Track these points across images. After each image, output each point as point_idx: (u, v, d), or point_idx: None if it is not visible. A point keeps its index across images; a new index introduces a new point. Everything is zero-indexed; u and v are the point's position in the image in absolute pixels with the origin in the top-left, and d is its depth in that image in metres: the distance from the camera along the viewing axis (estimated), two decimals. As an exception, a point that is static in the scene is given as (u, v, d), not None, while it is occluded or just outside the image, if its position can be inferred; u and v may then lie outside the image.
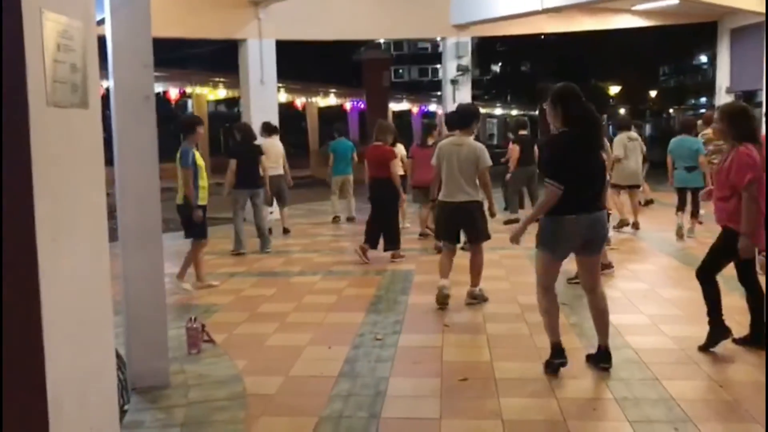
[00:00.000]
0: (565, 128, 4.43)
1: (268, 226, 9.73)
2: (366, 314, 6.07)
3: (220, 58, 23.35)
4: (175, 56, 29.80)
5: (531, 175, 11.04)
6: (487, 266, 6.84)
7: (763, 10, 14.36)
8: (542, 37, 22.19)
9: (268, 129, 10.56)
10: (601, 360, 4.58)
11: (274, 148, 10.28)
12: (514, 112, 38.35)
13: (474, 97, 44.79)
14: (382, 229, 8.43)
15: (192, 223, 7.14)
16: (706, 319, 5.67)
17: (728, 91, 17.16)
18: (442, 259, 6.44)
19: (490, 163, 6.29)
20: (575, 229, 4.38)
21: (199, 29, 12.37)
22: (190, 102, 28.41)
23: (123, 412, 3.92)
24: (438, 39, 16.65)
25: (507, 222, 11.18)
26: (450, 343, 5.28)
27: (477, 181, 6.30)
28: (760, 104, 16.30)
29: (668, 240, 9.42)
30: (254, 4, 12.32)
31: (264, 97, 12.63)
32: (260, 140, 9.82)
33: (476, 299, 6.35)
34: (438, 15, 14.98)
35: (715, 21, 17.23)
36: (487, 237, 6.43)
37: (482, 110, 40.80)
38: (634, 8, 15.48)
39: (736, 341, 4.97)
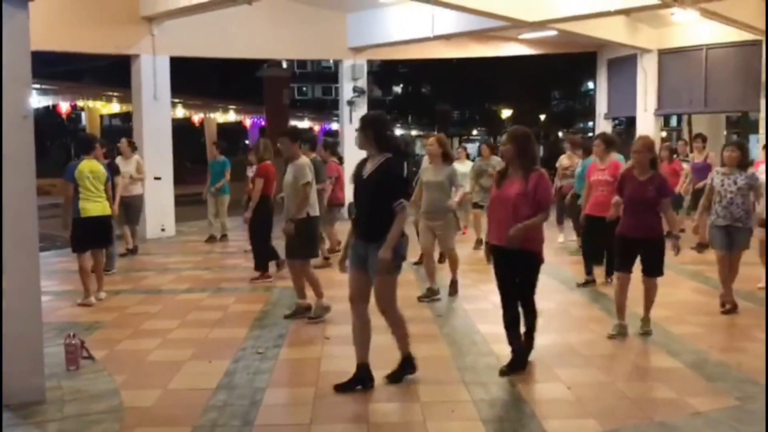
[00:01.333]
0: (386, 153, 4.63)
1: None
2: (250, 329, 6.24)
3: (116, 71, 22.81)
4: (69, 69, 28.76)
5: None
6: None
7: (633, 44, 15.62)
8: (438, 61, 23.06)
9: (134, 146, 10.52)
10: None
11: (142, 166, 10.32)
12: (414, 133, 39.29)
13: (376, 117, 45.09)
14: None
15: (110, 234, 7.91)
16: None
17: (606, 117, 18.41)
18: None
19: None
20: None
21: (89, 44, 12.15)
22: (83, 116, 27.54)
23: (-6, 429, 3.94)
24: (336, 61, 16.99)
25: None
26: (328, 354, 5.54)
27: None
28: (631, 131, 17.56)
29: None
30: (148, 20, 12.25)
31: (157, 112, 12.55)
32: (119, 158, 9.84)
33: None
34: (335, 37, 15.35)
35: (595, 51, 18.48)
36: None
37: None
38: (520, 37, 16.38)
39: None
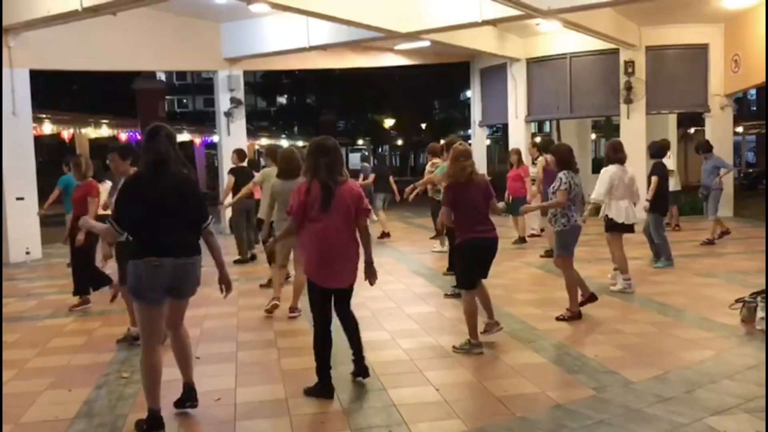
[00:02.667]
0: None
1: None
2: (116, 353, 5.95)
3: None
4: None
5: None
6: (247, 295, 6.99)
7: (502, 53, 16.26)
8: (321, 71, 23.10)
9: None
10: (187, 399, 4.55)
11: None
12: (300, 143, 39.13)
13: (261, 128, 44.61)
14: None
15: None
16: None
17: (480, 124, 19.04)
18: None
19: None
20: (158, 273, 4.14)
21: (-65, 56, 11.31)
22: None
23: None
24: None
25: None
26: (198, 374, 5.32)
27: None
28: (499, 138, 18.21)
29: (419, 261, 10.29)
30: (3, 32, 11.52)
31: (17, 129, 11.81)
32: None
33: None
34: (209, 48, 15.04)
35: (468, 61, 19.10)
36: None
37: (268, 141, 41.27)
38: (396, 48, 16.68)
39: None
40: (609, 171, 7.88)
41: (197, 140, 30.65)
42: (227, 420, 4.38)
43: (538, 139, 20.98)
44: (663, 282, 8.39)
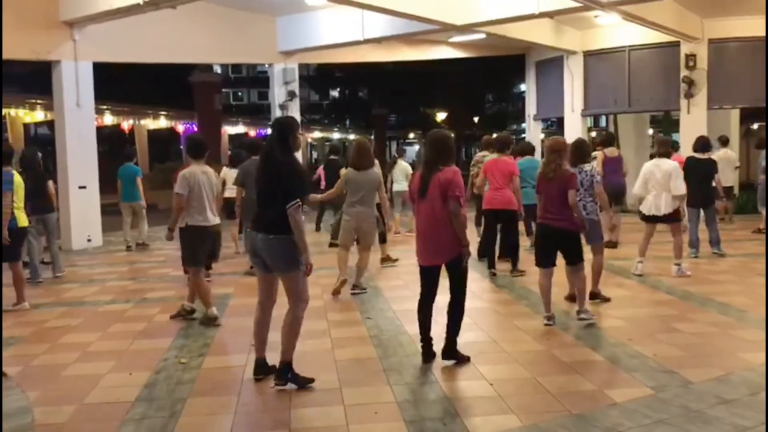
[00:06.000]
0: None
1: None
2: (174, 339, 6.09)
3: (40, 77, 22.03)
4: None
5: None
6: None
7: (559, 46, 15.97)
8: (373, 65, 23.03)
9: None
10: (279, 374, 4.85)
11: None
12: (352, 137, 39.30)
13: (313, 121, 44.94)
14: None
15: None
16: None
17: (535, 118, 18.78)
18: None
19: None
20: None
21: (6, 49, 11.69)
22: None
23: None
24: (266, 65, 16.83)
25: (332, 245, 11.42)
26: (253, 363, 5.43)
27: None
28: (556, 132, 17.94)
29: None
30: (69, 25, 11.89)
31: (80, 120, 12.21)
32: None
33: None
34: (265, 41, 15.23)
35: (523, 54, 18.84)
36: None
37: (320, 134, 41.53)
38: (450, 40, 16.58)
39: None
40: (644, 167, 8.59)
41: (252, 132, 31.13)
42: (283, 407, 4.44)
43: (593, 134, 20.59)
44: (723, 281, 8.15)
